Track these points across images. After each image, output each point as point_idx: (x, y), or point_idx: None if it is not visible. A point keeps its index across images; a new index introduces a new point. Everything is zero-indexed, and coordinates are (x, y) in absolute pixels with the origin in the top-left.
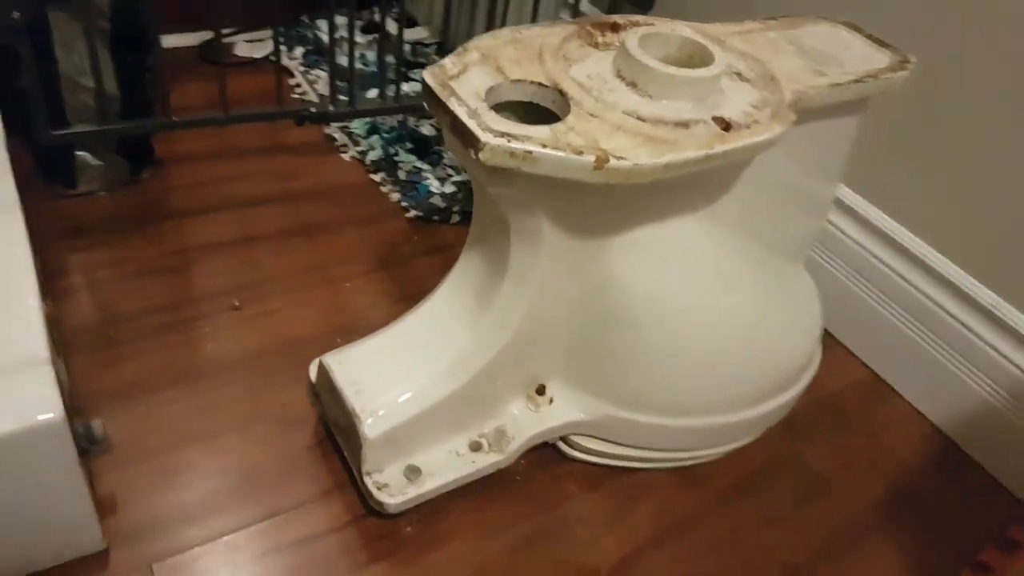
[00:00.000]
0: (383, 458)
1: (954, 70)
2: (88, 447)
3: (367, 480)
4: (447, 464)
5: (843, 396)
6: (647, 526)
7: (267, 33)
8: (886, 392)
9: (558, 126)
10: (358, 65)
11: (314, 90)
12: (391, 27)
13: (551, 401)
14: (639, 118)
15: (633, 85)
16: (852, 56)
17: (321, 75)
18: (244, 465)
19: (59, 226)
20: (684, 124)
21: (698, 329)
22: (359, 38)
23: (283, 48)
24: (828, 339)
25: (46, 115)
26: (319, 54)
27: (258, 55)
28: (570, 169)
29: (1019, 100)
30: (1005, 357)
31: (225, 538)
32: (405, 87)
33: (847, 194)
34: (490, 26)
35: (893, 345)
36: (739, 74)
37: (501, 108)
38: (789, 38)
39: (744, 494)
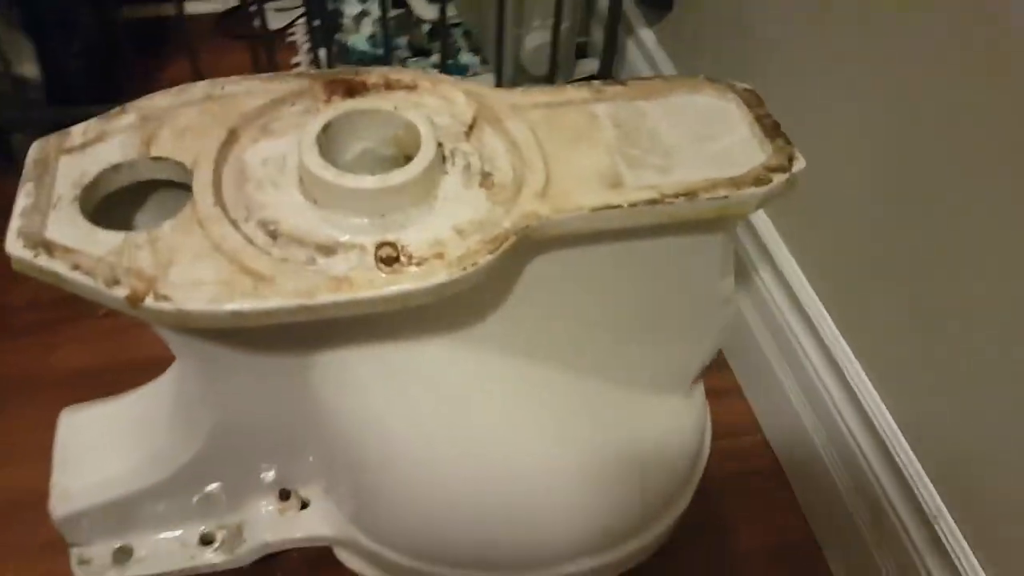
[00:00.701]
0: (88, 534)
1: None
2: None
3: (71, 552)
4: (166, 553)
5: (754, 562)
6: None
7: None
8: (816, 558)
9: (137, 236)
10: (363, 46)
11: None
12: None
13: (303, 506)
14: (272, 233)
15: (303, 183)
16: (708, 152)
17: (324, 55)
18: (16, 494)
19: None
20: (330, 249)
21: (441, 472)
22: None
23: (303, 20)
24: (775, 477)
25: None
26: (329, 31)
27: (278, 26)
28: (105, 299)
29: None
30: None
31: None
32: None
33: (819, 310)
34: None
35: (834, 507)
36: (487, 175)
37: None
38: (625, 114)
39: None
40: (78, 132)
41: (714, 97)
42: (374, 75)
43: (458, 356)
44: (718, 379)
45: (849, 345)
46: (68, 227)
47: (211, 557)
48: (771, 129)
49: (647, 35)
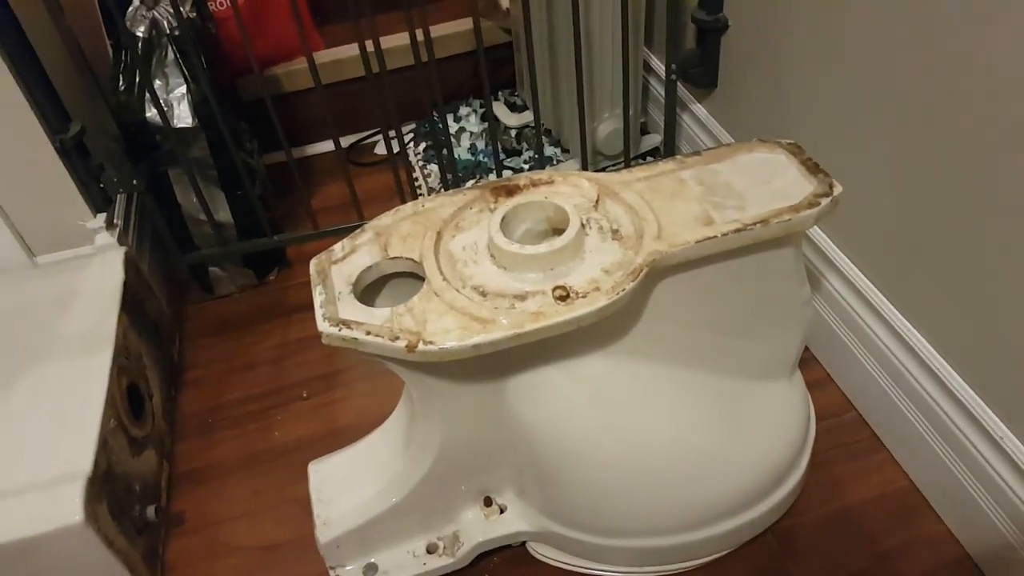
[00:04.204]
0: (343, 556)
1: None
2: (143, 528)
3: (331, 573)
4: (402, 564)
5: (868, 508)
6: None
7: (406, 129)
8: (920, 507)
9: (398, 308)
10: (467, 156)
11: (427, 183)
12: (500, 112)
13: (502, 511)
14: (482, 293)
15: (494, 257)
16: (770, 191)
17: (435, 169)
18: (272, 542)
19: (199, 325)
20: (522, 297)
21: (605, 461)
22: (475, 127)
23: (411, 145)
24: (874, 443)
25: (175, 245)
26: (436, 147)
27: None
28: (389, 352)
29: None
30: (1012, 489)
31: None
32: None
33: (879, 297)
34: (581, 112)
35: (927, 459)
36: (615, 231)
37: (400, 279)
38: (704, 175)
39: None
40: (339, 249)
41: (767, 152)
42: (523, 179)
43: (611, 367)
44: (809, 372)
45: (908, 320)
46: (352, 309)
47: (438, 562)
48: (814, 168)
49: (698, 109)
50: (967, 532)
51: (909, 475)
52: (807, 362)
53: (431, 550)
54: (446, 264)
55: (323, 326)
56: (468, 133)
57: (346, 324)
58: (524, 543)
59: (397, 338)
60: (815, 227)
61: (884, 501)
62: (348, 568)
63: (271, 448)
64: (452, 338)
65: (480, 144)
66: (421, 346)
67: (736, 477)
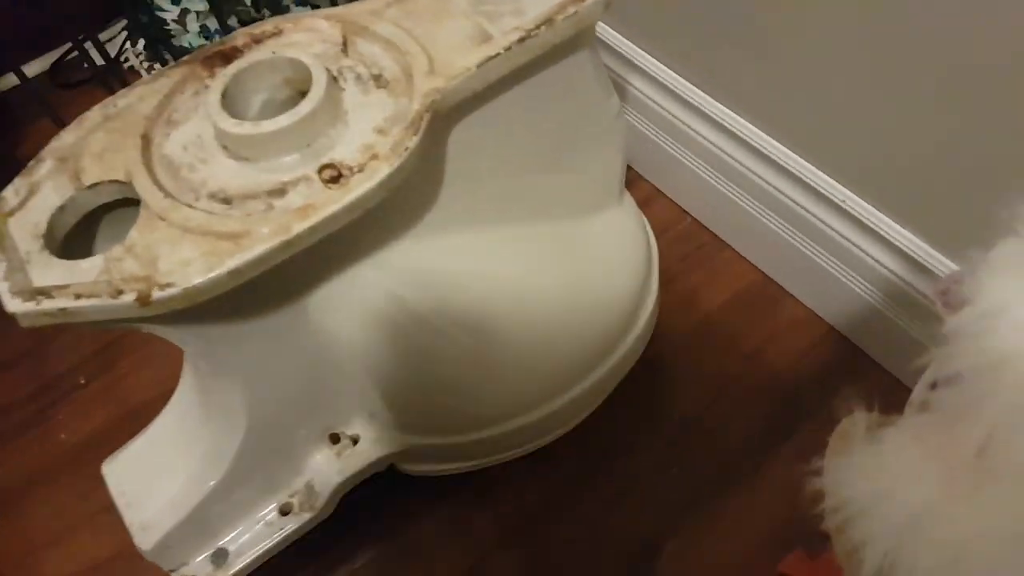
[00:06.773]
0: (181, 554)
1: None
2: None
3: None
4: (256, 538)
5: (727, 310)
6: (492, 529)
7: (116, 28)
8: (777, 295)
9: (115, 251)
10: (199, 41)
11: None
12: None
13: (355, 442)
14: (225, 200)
15: (227, 149)
16: None
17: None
18: (95, 562)
19: None
20: (280, 192)
21: (451, 353)
22: (201, 5)
23: (127, 45)
24: (716, 243)
25: None
26: (160, 40)
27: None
28: (119, 313)
29: None
30: (862, 250)
31: None
32: None
33: (689, 89)
34: None
35: (772, 246)
36: (378, 77)
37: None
38: None
39: (597, 468)
40: (11, 194)
41: None
42: (240, 37)
43: (426, 247)
44: (636, 191)
45: (724, 105)
46: (50, 271)
47: (297, 521)
48: None
49: None
50: (828, 306)
51: (758, 267)
52: (630, 181)
53: (285, 511)
54: (165, 175)
55: (12, 304)
56: (195, 14)
57: (44, 293)
58: (392, 465)
59: (121, 292)
60: (607, 27)
61: (741, 299)
62: (193, 564)
63: (61, 453)
64: (197, 271)
65: (213, 24)
66: (157, 293)
67: (594, 324)
